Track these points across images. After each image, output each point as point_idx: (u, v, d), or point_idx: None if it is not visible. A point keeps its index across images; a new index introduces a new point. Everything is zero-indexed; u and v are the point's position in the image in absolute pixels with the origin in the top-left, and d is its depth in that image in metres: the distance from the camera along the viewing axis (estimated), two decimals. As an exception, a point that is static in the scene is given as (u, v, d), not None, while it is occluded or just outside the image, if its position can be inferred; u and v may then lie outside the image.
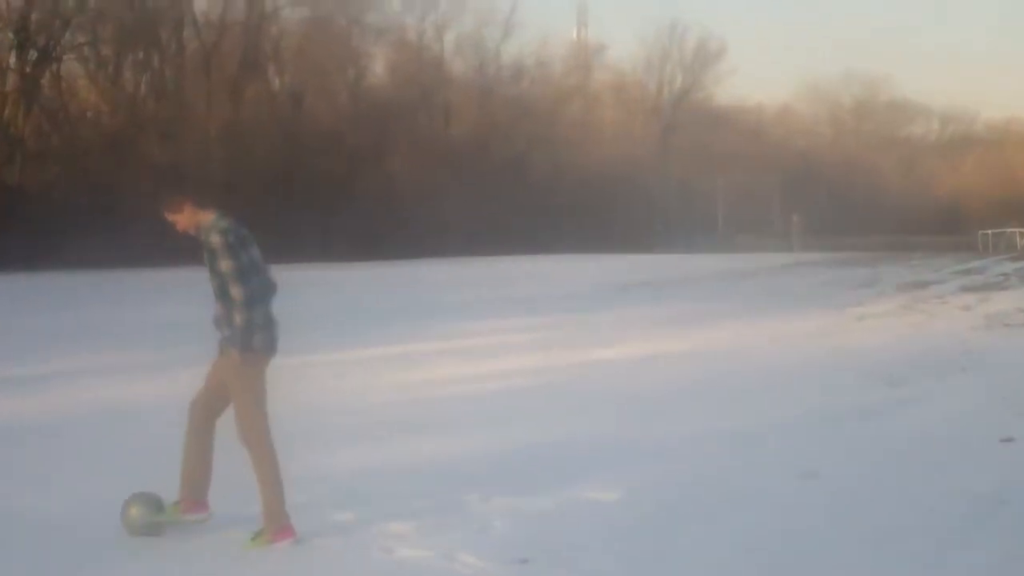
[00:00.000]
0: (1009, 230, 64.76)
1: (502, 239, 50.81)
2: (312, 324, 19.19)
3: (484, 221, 52.14)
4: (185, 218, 6.33)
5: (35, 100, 44.06)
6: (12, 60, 44.31)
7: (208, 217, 6.32)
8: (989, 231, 62.65)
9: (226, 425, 6.32)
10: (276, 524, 6.15)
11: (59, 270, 34.89)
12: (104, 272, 33.86)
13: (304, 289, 27.27)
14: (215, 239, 6.18)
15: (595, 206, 60.03)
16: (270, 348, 6.29)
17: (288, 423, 9.85)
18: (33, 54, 44.32)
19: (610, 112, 74.66)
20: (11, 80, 43.93)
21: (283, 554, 5.95)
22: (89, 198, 38.97)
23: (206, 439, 6.41)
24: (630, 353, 14.90)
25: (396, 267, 38.91)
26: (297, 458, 8.17)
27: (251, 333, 6.16)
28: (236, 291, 6.13)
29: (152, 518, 6.35)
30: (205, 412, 6.41)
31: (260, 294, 6.25)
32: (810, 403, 10.73)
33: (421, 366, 13.79)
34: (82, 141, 44.06)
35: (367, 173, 50.46)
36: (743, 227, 70.94)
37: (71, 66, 47.68)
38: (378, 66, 61.37)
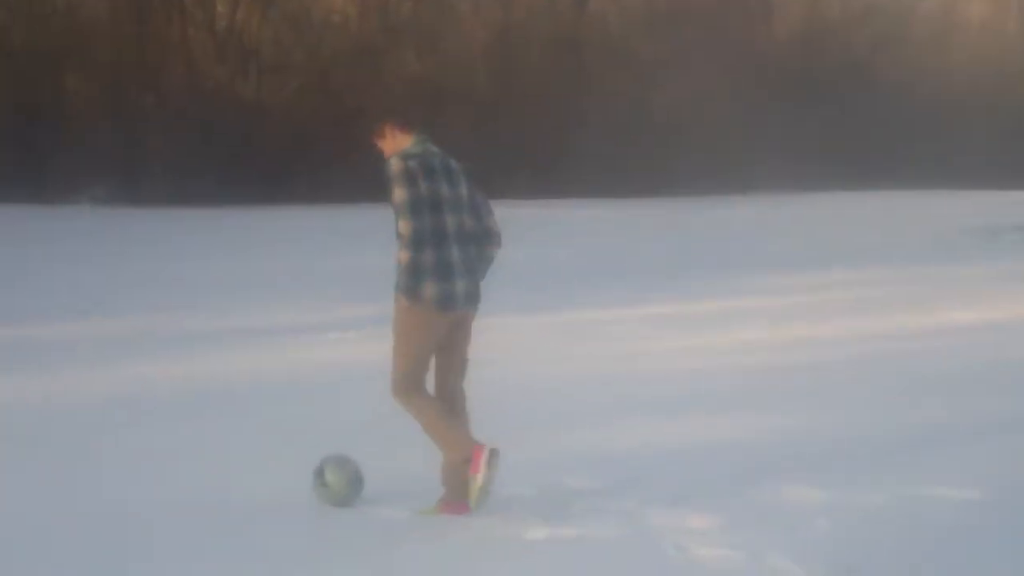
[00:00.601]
0: None
1: (830, 169, 49.79)
2: (583, 276, 19.50)
3: (809, 147, 51.20)
4: (388, 144, 6.64)
5: (272, 3, 45.63)
6: (245, -46, 45.85)
7: (406, 141, 6.60)
8: None
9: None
10: (463, 454, 6.46)
11: (299, 203, 36.24)
12: (353, 206, 34.98)
13: (581, 231, 27.63)
14: (393, 163, 6.45)
15: (953, 126, 58.08)
16: (447, 304, 6.48)
17: (555, 391, 10.18)
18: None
19: (976, 6, 72.00)
20: (245, -21, 45.51)
21: (565, 547, 6.18)
22: (335, 118, 40.18)
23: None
24: (993, 318, 14.57)
25: (691, 204, 38.79)
26: (570, 435, 8.46)
27: (418, 278, 6.38)
28: (403, 225, 6.38)
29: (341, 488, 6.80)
30: (445, 391, 6.72)
31: (439, 236, 6.43)
32: None
33: (710, 329, 13.89)
34: (327, 51, 45.44)
35: (663, 89, 50.28)
36: None
37: (313, -39, 49.03)
38: (681, -45, 60.90)
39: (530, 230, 24.68)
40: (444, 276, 6.45)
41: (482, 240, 6.68)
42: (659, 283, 18.62)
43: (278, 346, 12.84)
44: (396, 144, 6.59)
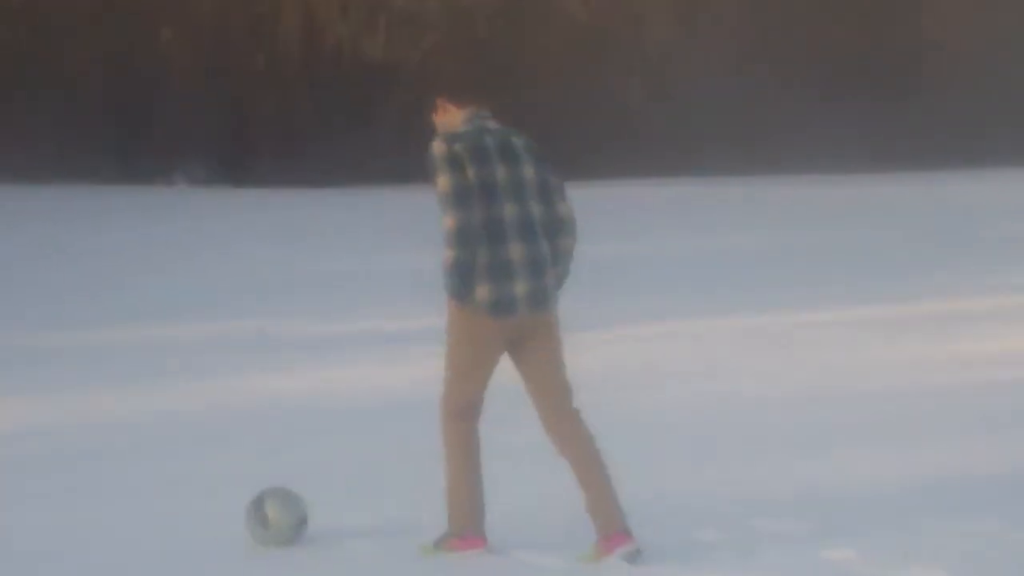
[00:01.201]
0: None
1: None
2: (782, 268, 19.33)
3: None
4: (440, 120, 6.76)
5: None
6: None
7: (458, 117, 6.64)
8: None
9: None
10: (451, 530, 6.67)
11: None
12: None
13: (777, 214, 27.42)
14: (434, 147, 6.59)
15: None
16: (502, 309, 6.51)
17: (744, 412, 10.10)
18: None
19: None
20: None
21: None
22: (479, 77, 40.29)
23: (588, 454, 6.68)
24: None
25: (915, 179, 38.25)
26: (763, 466, 8.39)
27: (464, 278, 6.45)
28: (446, 218, 6.49)
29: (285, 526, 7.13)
30: (548, 416, 6.75)
31: (495, 229, 6.49)
32: None
33: (939, 333, 13.70)
34: (468, 1, 45.72)
35: (895, 36, 49.65)
36: None
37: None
38: None
39: (714, 213, 24.60)
40: (501, 277, 6.50)
41: (552, 230, 6.64)
42: (878, 277, 18.32)
43: (414, 355, 12.97)
44: (449, 120, 6.68)
